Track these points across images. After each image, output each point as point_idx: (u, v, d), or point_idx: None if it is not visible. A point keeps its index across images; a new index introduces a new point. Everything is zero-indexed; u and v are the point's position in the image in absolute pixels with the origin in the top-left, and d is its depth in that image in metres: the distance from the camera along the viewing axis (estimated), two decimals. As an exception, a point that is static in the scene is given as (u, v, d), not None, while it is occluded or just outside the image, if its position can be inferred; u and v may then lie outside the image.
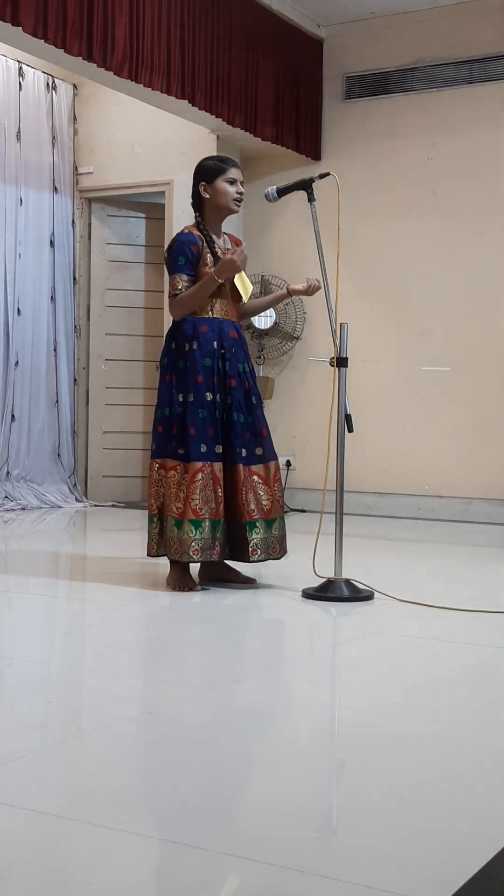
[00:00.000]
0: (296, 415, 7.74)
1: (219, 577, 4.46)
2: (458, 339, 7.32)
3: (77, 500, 7.82)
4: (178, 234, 4.33)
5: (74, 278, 8.08)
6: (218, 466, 4.22)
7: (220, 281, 4.22)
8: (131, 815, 1.99)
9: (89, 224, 8.20)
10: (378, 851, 1.84)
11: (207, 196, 4.33)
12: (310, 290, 4.45)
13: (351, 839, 1.91)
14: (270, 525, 4.35)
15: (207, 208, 4.36)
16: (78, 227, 8.12)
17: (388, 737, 2.50)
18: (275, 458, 4.41)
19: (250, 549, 4.28)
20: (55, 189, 7.86)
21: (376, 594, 4.20)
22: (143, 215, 8.33)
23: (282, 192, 4.36)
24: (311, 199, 4.28)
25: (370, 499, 7.53)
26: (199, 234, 4.30)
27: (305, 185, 4.29)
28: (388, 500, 7.52)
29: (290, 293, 4.53)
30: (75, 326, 8.09)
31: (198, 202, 4.38)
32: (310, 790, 2.19)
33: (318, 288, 4.40)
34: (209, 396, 4.25)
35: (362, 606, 4.07)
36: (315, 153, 7.76)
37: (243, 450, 4.31)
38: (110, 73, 5.84)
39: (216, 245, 4.33)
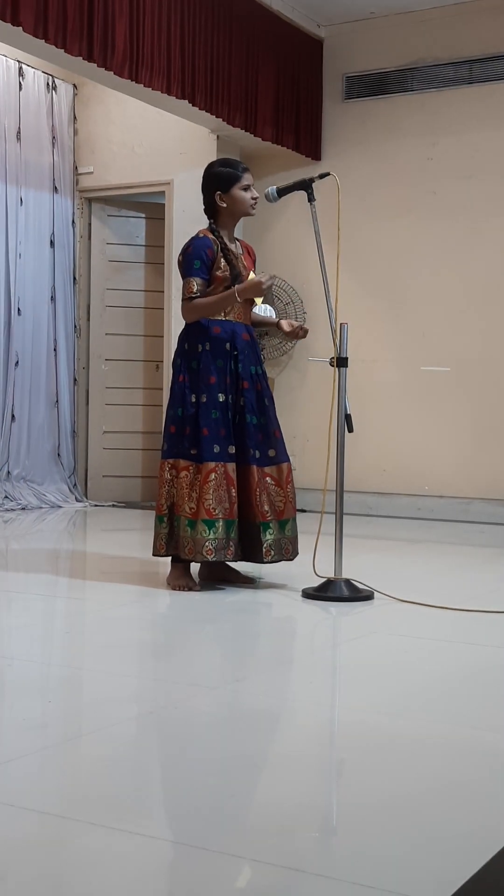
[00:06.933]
0: (296, 415, 7.74)
1: (219, 576, 4.46)
2: (457, 340, 7.32)
3: (77, 499, 7.82)
4: (193, 238, 4.32)
5: (74, 278, 8.08)
6: (231, 467, 4.23)
7: (238, 300, 4.24)
8: (131, 815, 1.99)
9: (89, 224, 8.20)
10: (378, 851, 1.84)
11: (224, 205, 4.33)
12: (291, 335, 4.48)
13: (351, 839, 1.91)
14: (283, 526, 4.37)
15: (223, 215, 4.36)
16: (78, 226, 8.12)
17: (387, 737, 2.51)
18: (287, 459, 4.43)
19: (264, 549, 4.30)
20: (55, 189, 7.86)
21: (376, 594, 4.20)
22: (143, 215, 8.33)
23: (282, 192, 4.36)
24: (310, 199, 4.28)
25: (370, 499, 7.53)
26: (213, 238, 4.31)
27: (305, 185, 4.29)
28: (388, 500, 7.52)
29: (278, 326, 4.54)
30: (75, 326, 8.09)
31: (211, 209, 4.37)
32: (310, 790, 2.19)
33: (303, 337, 4.46)
34: (221, 397, 4.25)
35: (362, 606, 4.07)
36: (315, 153, 7.75)
37: (256, 451, 4.31)
38: (110, 73, 5.84)
39: (230, 251, 4.33)
